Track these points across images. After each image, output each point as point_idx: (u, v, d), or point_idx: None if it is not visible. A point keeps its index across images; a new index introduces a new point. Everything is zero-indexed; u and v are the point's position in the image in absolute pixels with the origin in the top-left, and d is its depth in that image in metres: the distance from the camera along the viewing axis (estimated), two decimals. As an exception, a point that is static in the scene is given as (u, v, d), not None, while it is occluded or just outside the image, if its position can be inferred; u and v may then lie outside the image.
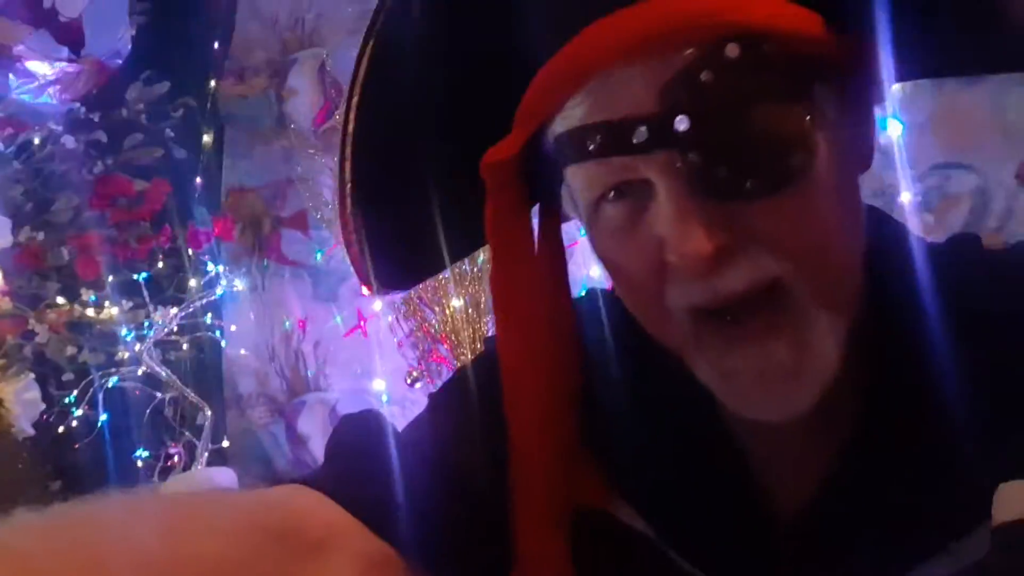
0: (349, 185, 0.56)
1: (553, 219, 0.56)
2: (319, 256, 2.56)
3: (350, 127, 0.55)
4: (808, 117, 0.45)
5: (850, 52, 0.48)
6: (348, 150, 0.55)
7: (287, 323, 2.59)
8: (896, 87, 0.55)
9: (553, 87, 0.48)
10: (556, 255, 0.56)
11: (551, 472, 0.55)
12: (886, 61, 0.49)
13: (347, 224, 0.57)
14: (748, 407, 0.49)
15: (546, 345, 0.54)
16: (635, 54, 0.45)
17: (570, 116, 0.47)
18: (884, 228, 0.55)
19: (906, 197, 1.89)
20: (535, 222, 0.56)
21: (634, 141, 0.45)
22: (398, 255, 0.60)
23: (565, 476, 0.55)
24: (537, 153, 0.51)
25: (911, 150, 1.96)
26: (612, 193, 0.48)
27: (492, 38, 0.53)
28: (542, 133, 0.50)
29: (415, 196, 0.57)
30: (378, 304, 2.35)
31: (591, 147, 0.46)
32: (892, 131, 1.82)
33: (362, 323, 2.41)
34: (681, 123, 0.44)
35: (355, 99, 0.55)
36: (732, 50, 0.44)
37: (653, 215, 0.46)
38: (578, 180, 0.50)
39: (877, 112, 0.53)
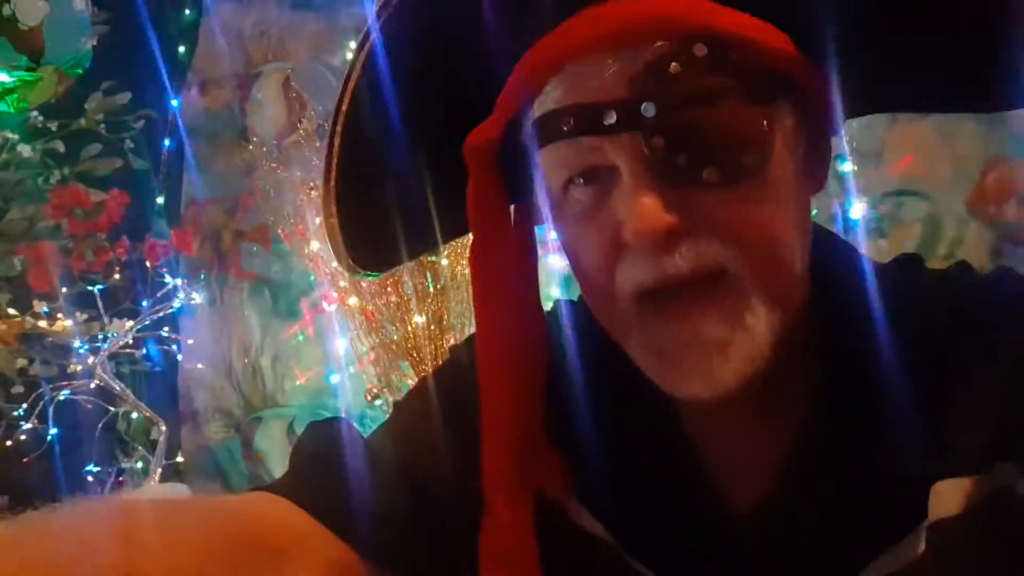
0: (336, 159, 0.58)
1: (527, 222, 0.59)
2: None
3: (344, 107, 0.57)
4: (766, 122, 0.49)
5: (813, 78, 0.52)
6: (339, 127, 0.58)
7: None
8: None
9: (532, 72, 0.51)
10: (529, 253, 0.58)
11: (520, 446, 0.56)
12: (842, 94, 0.53)
13: (328, 199, 0.59)
14: (674, 381, 0.51)
15: (520, 319, 0.56)
16: (609, 45, 0.48)
17: (546, 100, 0.51)
18: (832, 245, 0.59)
19: (860, 223, 1.94)
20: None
21: (604, 123, 0.48)
22: (376, 236, 0.62)
23: (532, 456, 0.56)
24: (515, 146, 0.54)
25: (865, 177, 2.02)
26: (581, 179, 0.51)
27: (477, 31, 0.56)
28: (520, 124, 0.54)
29: (397, 180, 0.60)
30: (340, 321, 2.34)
31: (564, 128, 0.50)
32: (848, 159, 1.87)
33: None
34: (648, 109, 0.47)
35: (351, 83, 0.57)
36: (700, 49, 0.48)
37: (616, 198, 0.50)
38: (551, 161, 0.52)
39: (833, 140, 0.57)
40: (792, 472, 0.55)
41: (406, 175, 0.60)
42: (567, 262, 0.56)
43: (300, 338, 2.53)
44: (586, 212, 0.51)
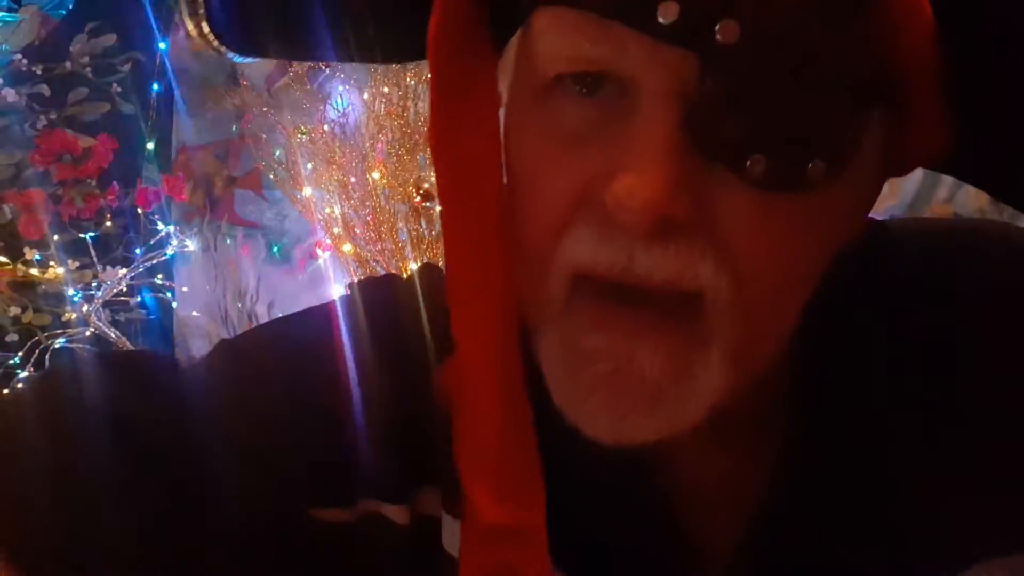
0: None
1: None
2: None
3: None
4: (855, 131, 0.34)
5: (926, 95, 0.36)
6: None
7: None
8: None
9: None
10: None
11: (511, 419, 0.40)
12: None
13: None
14: (575, 407, 0.37)
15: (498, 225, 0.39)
16: None
17: None
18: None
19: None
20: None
21: (659, 19, 0.31)
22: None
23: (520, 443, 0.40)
24: None
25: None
26: (580, 86, 0.35)
27: None
28: None
29: None
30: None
31: None
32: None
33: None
34: (727, 32, 0.31)
35: None
36: None
37: (618, 135, 0.34)
38: (551, 32, 0.35)
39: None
40: (774, 509, 0.44)
41: None
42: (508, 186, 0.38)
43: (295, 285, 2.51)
44: (567, 135, 0.35)
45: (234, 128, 2.57)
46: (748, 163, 0.33)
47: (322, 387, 0.44)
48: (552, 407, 0.38)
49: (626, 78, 0.34)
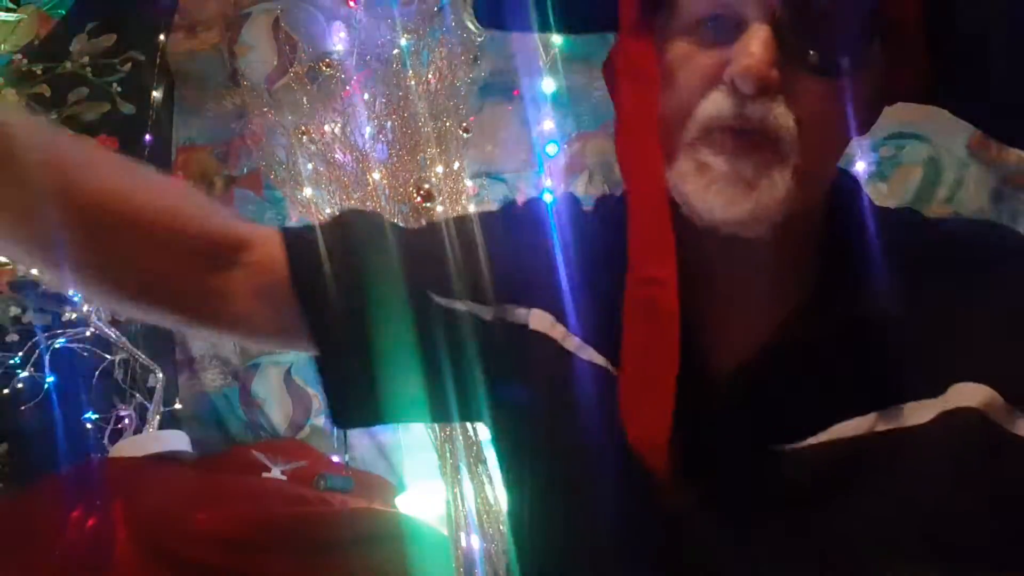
0: None
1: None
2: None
3: None
4: (867, 45, 0.61)
5: (909, 49, 0.63)
6: None
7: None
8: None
9: None
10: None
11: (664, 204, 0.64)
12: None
13: None
14: (704, 199, 0.61)
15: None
16: None
17: None
18: (849, 182, 0.70)
19: (861, 166, 1.92)
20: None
21: None
22: None
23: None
24: None
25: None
26: (710, 22, 0.61)
27: None
28: None
29: None
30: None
31: None
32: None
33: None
34: None
35: None
36: None
37: (732, 42, 0.59)
38: None
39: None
40: (774, 343, 0.64)
41: None
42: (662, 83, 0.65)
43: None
44: (704, 44, 0.61)
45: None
46: (808, 55, 0.59)
47: (474, 227, 0.76)
48: None
49: (738, 17, 0.60)
